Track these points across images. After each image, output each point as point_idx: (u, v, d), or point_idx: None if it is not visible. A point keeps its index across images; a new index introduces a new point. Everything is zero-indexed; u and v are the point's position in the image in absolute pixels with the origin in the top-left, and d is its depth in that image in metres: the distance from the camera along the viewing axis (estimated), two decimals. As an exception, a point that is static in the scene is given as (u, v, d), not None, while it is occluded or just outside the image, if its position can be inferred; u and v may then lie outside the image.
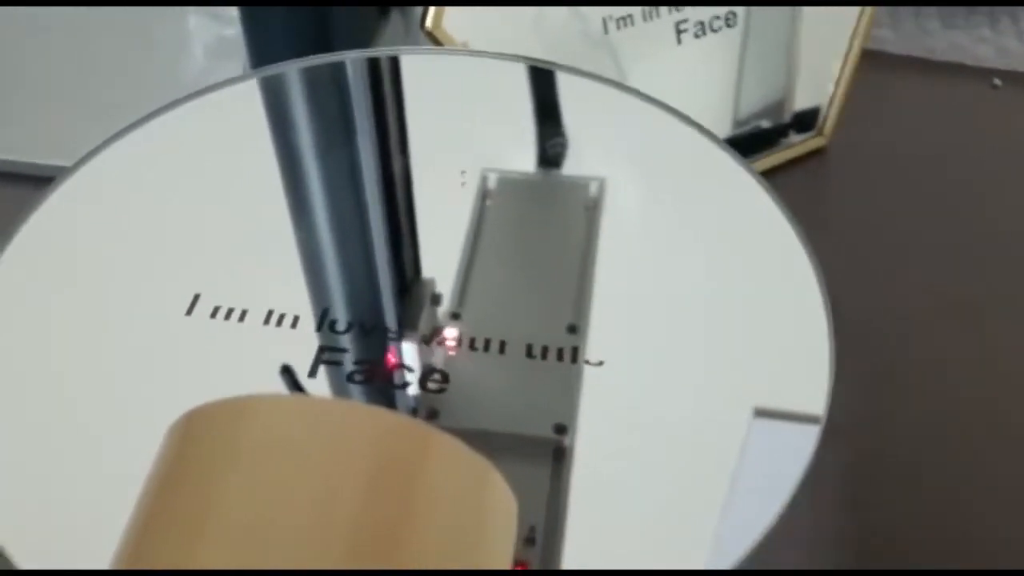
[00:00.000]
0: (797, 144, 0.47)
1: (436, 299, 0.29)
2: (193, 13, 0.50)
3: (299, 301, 0.28)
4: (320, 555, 0.18)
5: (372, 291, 0.30)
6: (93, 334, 0.27)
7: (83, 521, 0.24)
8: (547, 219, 0.32)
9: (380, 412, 0.20)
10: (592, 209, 0.32)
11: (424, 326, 0.28)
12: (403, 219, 0.32)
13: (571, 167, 0.33)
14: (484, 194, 0.32)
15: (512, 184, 0.33)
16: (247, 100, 0.34)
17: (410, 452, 0.20)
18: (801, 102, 0.47)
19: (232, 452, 0.20)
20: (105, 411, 0.26)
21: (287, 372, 0.26)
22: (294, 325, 0.27)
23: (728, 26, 0.43)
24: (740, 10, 0.43)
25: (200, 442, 0.20)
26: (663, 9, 0.42)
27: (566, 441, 0.26)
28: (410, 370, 0.27)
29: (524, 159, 0.34)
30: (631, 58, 0.42)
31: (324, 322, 0.28)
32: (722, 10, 0.43)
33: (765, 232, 0.31)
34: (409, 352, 0.27)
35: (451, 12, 0.38)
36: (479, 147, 0.34)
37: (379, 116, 0.34)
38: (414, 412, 0.26)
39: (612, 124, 0.34)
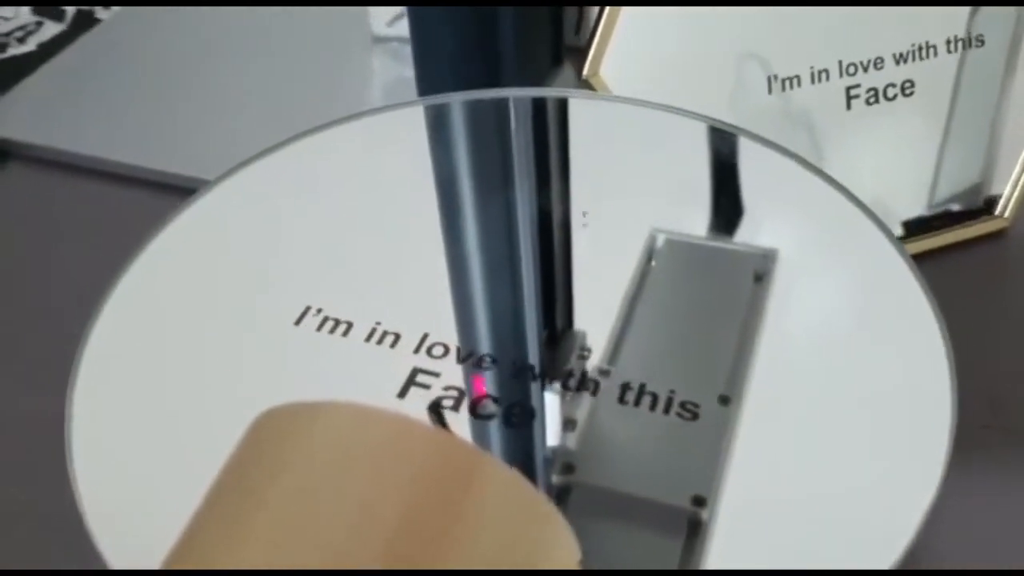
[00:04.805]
0: (977, 224, 0.44)
1: (585, 352, 0.29)
2: (378, 55, 0.53)
3: (405, 323, 0.29)
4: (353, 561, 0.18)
5: (516, 327, 0.30)
6: (202, 335, 0.29)
7: (169, 511, 0.25)
8: (712, 287, 0.32)
9: (437, 432, 0.21)
10: (761, 280, 0.31)
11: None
12: (558, 266, 0.32)
13: (742, 236, 0.33)
14: (650, 255, 0.32)
15: (680, 248, 0.33)
16: (397, 127, 0.35)
17: (461, 476, 0.20)
18: (997, 186, 0.44)
19: (286, 453, 0.20)
20: (196, 408, 0.27)
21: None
22: (393, 345, 0.28)
23: (904, 95, 0.42)
24: (939, 81, 0.41)
25: (262, 441, 0.21)
26: (833, 72, 0.41)
27: (703, 514, 0.25)
28: (496, 401, 0.26)
29: (694, 222, 0.33)
30: (799, 123, 0.41)
31: (423, 345, 0.28)
32: (898, 77, 0.41)
33: (911, 332, 0.29)
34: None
35: (608, 62, 0.38)
36: (646, 204, 0.33)
37: (541, 158, 0.35)
38: (549, 463, 0.26)
39: (788, 199, 0.34)
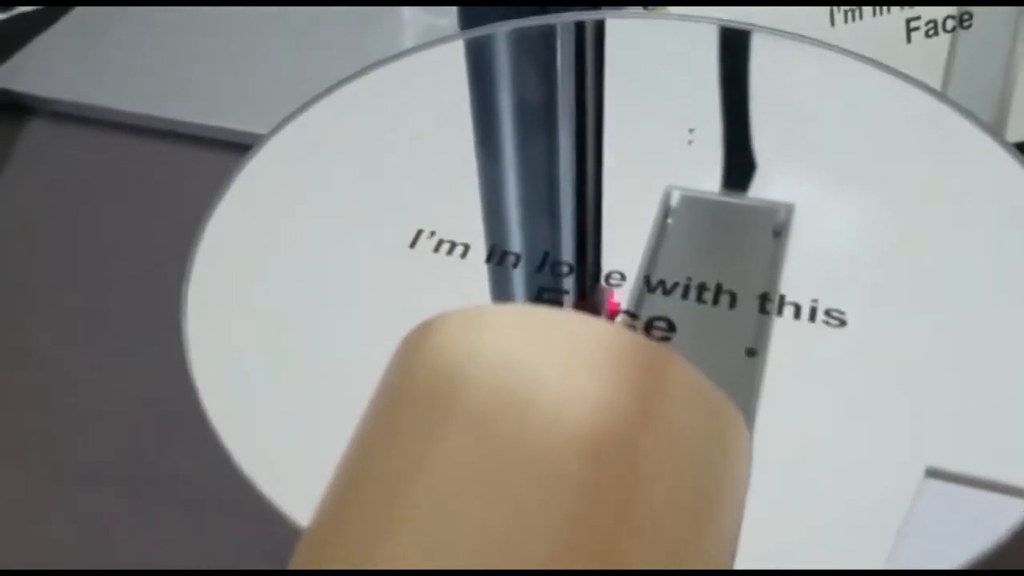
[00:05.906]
0: None
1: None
2: (408, 10, 0.51)
3: (522, 243, 0.28)
4: (551, 470, 0.17)
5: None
6: (315, 265, 0.28)
7: (307, 436, 0.23)
8: (730, 242, 0.31)
9: (614, 327, 0.19)
10: (780, 235, 0.30)
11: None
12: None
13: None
14: (666, 212, 0.31)
15: (696, 204, 0.31)
16: (445, 62, 0.34)
17: (652, 374, 0.19)
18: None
19: (463, 361, 0.19)
20: (326, 337, 0.26)
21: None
22: (516, 265, 0.27)
23: (963, 27, 0.41)
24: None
25: (429, 352, 0.20)
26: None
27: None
28: (634, 316, 0.26)
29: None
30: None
31: (545, 264, 0.27)
32: (957, 10, 0.41)
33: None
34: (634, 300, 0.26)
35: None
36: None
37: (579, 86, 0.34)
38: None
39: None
